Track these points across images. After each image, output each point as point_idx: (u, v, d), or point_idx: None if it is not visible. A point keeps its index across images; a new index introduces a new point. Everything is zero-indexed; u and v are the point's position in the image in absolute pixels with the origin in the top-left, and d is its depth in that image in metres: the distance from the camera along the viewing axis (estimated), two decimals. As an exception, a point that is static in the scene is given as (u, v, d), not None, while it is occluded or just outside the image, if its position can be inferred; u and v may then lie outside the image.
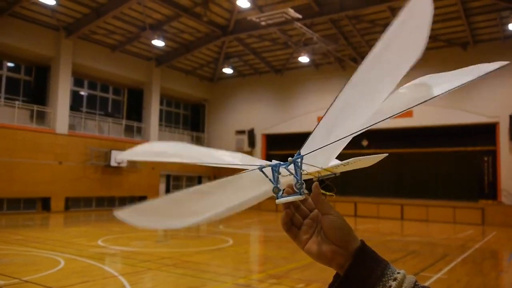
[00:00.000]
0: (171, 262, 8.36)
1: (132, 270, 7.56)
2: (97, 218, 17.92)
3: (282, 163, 0.75)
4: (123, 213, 0.80)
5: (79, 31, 19.51)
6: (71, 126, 20.47)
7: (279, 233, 14.33)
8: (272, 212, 23.14)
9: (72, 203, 20.01)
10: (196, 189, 0.82)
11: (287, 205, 0.76)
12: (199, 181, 27.01)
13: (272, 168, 0.75)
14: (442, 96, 0.68)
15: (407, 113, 21.34)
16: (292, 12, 17.11)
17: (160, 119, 25.74)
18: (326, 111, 0.71)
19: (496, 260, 10.64)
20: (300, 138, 0.80)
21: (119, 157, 0.84)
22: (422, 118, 20.87)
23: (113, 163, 21.04)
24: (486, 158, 19.91)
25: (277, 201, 0.75)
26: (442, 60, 21.08)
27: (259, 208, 24.50)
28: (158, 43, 20.62)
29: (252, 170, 0.77)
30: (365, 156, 0.86)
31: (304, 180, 0.76)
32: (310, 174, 0.77)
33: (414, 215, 19.89)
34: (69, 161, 19.69)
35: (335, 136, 0.71)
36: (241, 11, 19.39)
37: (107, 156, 21.06)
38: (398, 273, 0.70)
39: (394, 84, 0.68)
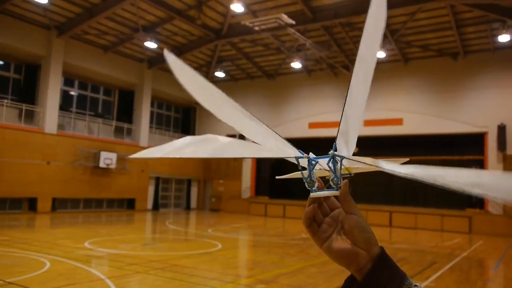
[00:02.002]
0: (159, 265, 8.29)
1: (119, 273, 7.48)
2: (85, 220, 17.73)
3: (321, 156, 0.74)
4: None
5: (71, 30, 19.39)
6: (60, 126, 20.28)
7: (268, 238, 14.31)
8: (261, 217, 23.11)
9: (59, 204, 19.78)
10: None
11: (315, 200, 0.75)
12: (189, 183, 26.90)
13: (308, 160, 0.73)
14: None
15: (398, 121, 21.55)
16: (286, 18, 17.19)
17: (151, 121, 25.63)
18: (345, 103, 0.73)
19: (482, 269, 10.73)
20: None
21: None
22: (412, 126, 21.06)
23: (102, 164, 20.87)
24: (474, 167, 20.05)
25: (312, 194, 0.73)
26: (432, 69, 21.34)
27: (248, 212, 24.47)
28: (151, 45, 20.56)
29: (289, 155, 0.75)
30: (393, 159, 0.84)
31: (320, 176, 0.75)
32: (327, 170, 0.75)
33: (402, 223, 20.00)
34: (57, 161, 19.48)
35: (356, 125, 0.74)
36: (235, 15, 19.43)
37: (96, 157, 20.89)
38: (416, 285, 0.69)
39: (368, 80, 0.70)
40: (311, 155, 0.74)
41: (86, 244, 10.49)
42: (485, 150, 19.72)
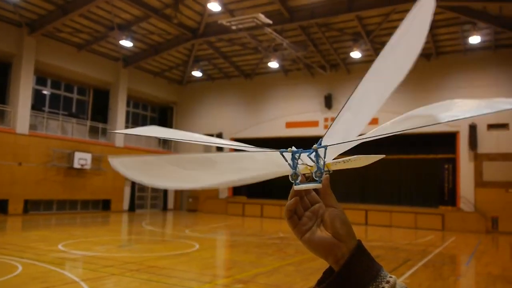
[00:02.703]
0: (135, 267, 8.19)
1: (94, 275, 7.35)
2: (58, 222, 17.34)
3: (304, 150, 0.75)
4: (117, 161, 0.76)
5: (43, 28, 18.90)
6: (32, 126, 19.76)
7: (246, 238, 14.31)
8: (238, 217, 23.10)
9: (32, 206, 19.28)
10: (204, 156, 0.80)
11: (298, 193, 0.76)
12: (166, 184, 26.58)
13: (292, 154, 0.75)
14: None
15: (373, 121, 21.79)
16: (263, 18, 17.22)
17: (127, 121, 25.25)
18: (348, 99, 0.73)
19: (455, 264, 11.01)
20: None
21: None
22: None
23: (76, 165, 20.45)
24: (446, 166, 20.62)
25: (296, 187, 0.75)
26: (406, 70, 21.73)
27: (226, 212, 24.42)
28: (126, 43, 20.26)
29: (272, 152, 0.77)
30: (365, 155, 0.87)
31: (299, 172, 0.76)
32: (308, 168, 0.77)
33: (378, 221, 20.32)
34: (30, 162, 18.98)
35: (354, 132, 0.76)
36: (211, 14, 19.34)
37: (70, 158, 20.45)
38: (391, 277, 0.71)
39: (399, 79, 0.71)
40: (294, 149, 0.76)
41: (60, 247, 10.26)
42: (457, 149, 20.24)
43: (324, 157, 0.75)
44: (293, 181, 0.75)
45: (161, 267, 8.29)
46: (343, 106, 0.73)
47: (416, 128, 0.71)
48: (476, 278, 8.97)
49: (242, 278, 7.61)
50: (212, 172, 0.79)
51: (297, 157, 0.75)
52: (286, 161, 0.75)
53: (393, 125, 0.75)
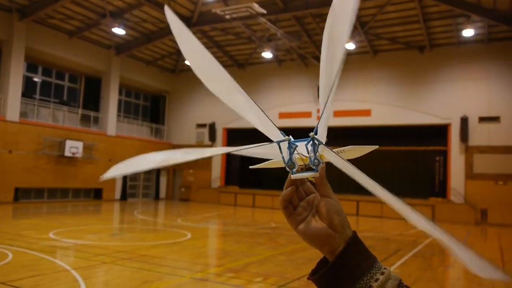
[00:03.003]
0: (127, 255, 8.19)
1: (85, 263, 7.34)
2: (49, 210, 17.27)
3: (300, 139, 0.75)
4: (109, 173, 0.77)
5: (34, 14, 18.62)
6: (23, 114, 19.55)
7: (238, 227, 14.36)
8: (230, 207, 23.16)
9: (22, 194, 19.16)
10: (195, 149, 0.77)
11: (293, 183, 0.76)
12: (158, 173, 26.60)
13: (289, 143, 0.74)
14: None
15: (366, 112, 21.94)
16: (257, 7, 17.11)
17: (119, 110, 25.07)
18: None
19: (443, 255, 11.15)
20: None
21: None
22: (380, 117, 21.51)
23: (67, 153, 20.32)
24: (438, 158, 20.78)
25: (293, 176, 0.74)
26: (400, 61, 21.79)
27: (218, 202, 24.46)
28: (119, 31, 20.04)
29: (269, 143, 0.76)
30: (358, 146, 0.87)
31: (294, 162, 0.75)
32: (302, 159, 0.76)
33: (369, 211, 20.49)
34: (20, 150, 18.82)
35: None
36: (205, 3, 19.17)
37: (61, 146, 20.30)
38: (385, 268, 0.71)
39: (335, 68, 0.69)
40: (291, 138, 0.75)
41: (51, 235, 10.23)
42: (449, 141, 20.39)
43: (318, 145, 0.74)
44: (289, 170, 0.74)
45: (152, 255, 8.30)
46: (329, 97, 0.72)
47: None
48: (465, 269, 9.05)
49: (233, 267, 7.65)
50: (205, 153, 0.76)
51: (293, 146, 0.74)
52: (281, 153, 0.74)
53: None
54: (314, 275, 0.74)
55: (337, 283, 0.71)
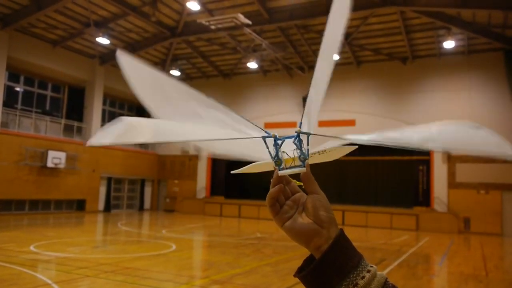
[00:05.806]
0: (110, 268, 8.04)
1: (67, 277, 7.18)
2: (30, 222, 16.90)
3: (287, 136, 0.75)
4: (94, 140, 0.74)
5: (16, 23, 18.38)
6: (4, 124, 19.20)
7: (223, 238, 14.26)
8: (216, 217, 23.01)
9: (3, 206, 18.72)
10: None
11: (280, 181, 0.75)
12: (142, 183, 26.33)
13: (274, 140, 0.74)
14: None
15: (351, 122, 22.15)
16: (242, 18, 17.21)
17: (103, 120, 24.80)
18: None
19: (428, 264, 11.24)
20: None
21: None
22: (364, 127, 21.70)
23: (50, 164, 19.98)
24: (421, 167, 21.04)
25: (280, 172, 0.74)
26: (383, 72, 22.13)
27: (203, 213, 24.28)
28: (103, 40, 19.90)
29: (254, 138, 0.76)
30: (339, 146, 0.86)
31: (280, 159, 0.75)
32: (292, 158, 0.76)
33: (354, 221, 20.57)
34: (1, 160, 18.43)
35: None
36: (190, 13, 19.21)
37: (43, 157, 19.96)
38: (372, 266, 0.71)
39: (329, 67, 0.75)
40: (277, 135, 0.75)
41: (32, 248, 10.00)
42: (431, 151, 20.65)
43: (308, 143, 0.75)
44: (276, 167, 0.74)
45: (136, 268, 8.17)
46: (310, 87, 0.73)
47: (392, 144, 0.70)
48: (449, 277, 9.17)
49: (219, 279, 7.57)
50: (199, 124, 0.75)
51: (279, 143, 0.74)
52: (267, 147, 0.74)
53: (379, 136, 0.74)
54: (300, 273, 0.73)
55: (324, 280, 0.70)
